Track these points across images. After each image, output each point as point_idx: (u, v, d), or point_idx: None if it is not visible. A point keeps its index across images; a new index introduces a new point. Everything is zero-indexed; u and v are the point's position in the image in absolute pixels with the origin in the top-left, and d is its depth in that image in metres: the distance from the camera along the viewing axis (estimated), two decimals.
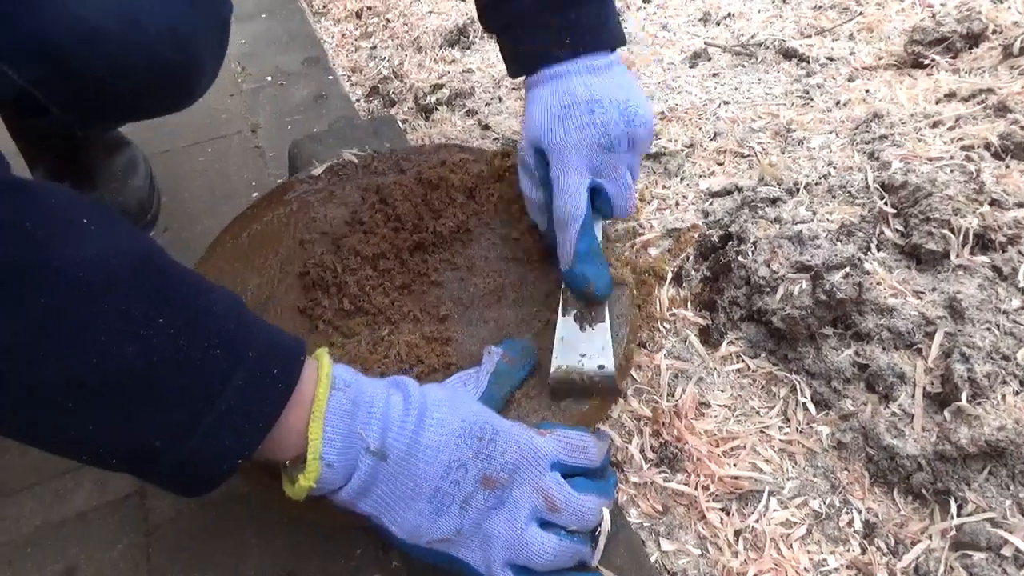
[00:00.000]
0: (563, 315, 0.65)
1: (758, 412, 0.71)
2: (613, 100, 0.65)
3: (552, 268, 0.73)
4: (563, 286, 0.66)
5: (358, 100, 1.32)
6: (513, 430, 0.54)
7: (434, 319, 0.71)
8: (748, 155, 0.98)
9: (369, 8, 1.58)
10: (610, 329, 0.65)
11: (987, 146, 0.84)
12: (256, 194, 1.12)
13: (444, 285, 0.74)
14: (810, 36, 1.21)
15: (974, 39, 1.06)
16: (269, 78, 1.40)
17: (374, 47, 1.46)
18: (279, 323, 0.70)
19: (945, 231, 0.73)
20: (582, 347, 0.64)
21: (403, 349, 0.67)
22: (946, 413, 0.63)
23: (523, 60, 0.69)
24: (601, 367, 0.62)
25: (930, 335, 0.68)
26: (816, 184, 0.86)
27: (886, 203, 0.79)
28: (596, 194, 0.66)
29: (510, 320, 0.70)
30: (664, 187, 0.97)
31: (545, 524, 0.53)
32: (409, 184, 0.80)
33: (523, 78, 0.71)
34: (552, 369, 0.63)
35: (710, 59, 1.21)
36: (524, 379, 0.64)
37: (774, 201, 0.84)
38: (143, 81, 0.70)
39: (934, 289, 0.72)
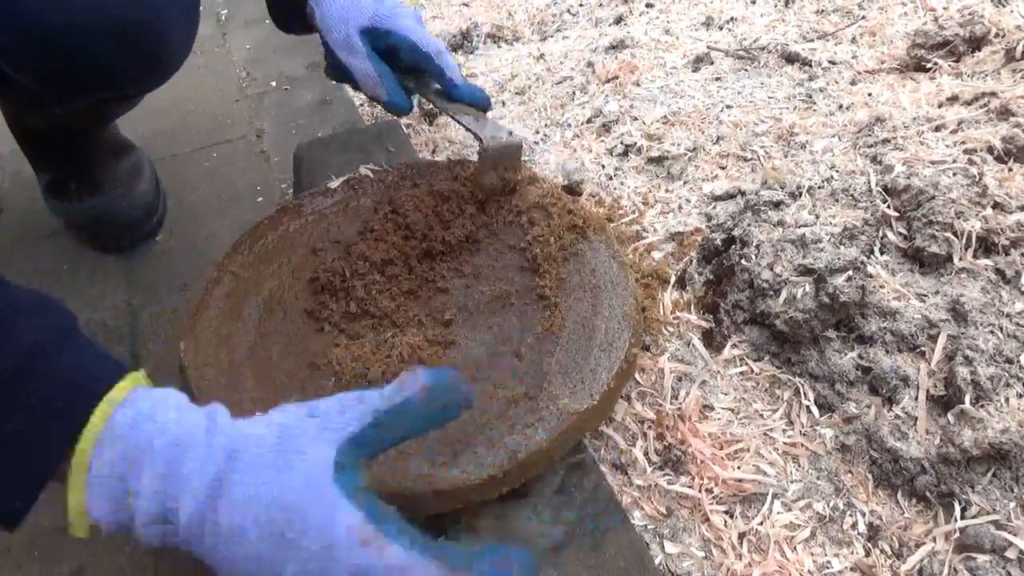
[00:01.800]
0: (461, 118, 0.83)
1: (761, 415, 0.71)
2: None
3: (550, 277, 0.74)
4: (449, 107, 0.84)
5: (362, 105, 1.33)
6: (323, 522, 0.40)
7: (438, 323, 0.72)
8: (751, 159, 0.98)
9: None
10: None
11: (990, 149, 0.84)
12: (261, 199, 1.12)
13: (450, 291, 0.75)
14: (812, 40, 1.21)
15: (976, 43, 1.06)
16: (274, 83, 1.40)
17: None
18: (286, 325, 0.71)
19: (948, 234, 0.73)
20: (489, 129, 0.81)
21: (406, 350, 0.68)
22: (949, 416, 0.63)
23: None
24: (511, 133, 0.80)
25: (933, 338, 0.68)
26: (819, 188, 0.86)
27: (889, 206, 0.79)
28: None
29: (514, 326, 0.71)
30: (667, 191, 0.97)
31: None
32: (421, 196, 0.81)
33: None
34: (484, 139, 0.79)
35: (712, 63, 1.21)
36: (431, 427, 0.48)
37: (777, 204, 0.84)
38: (108, 42, 0.70)
39: (937, 292, 0.72)
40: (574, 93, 1.19)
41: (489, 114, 0.85)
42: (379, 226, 0.79)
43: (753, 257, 0.77)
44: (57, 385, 0.42)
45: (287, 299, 0.74)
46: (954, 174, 0.79)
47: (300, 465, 0.41)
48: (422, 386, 0.46)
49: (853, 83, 1.09)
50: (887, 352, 0.69)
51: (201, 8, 0.85)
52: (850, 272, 0.72)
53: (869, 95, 1.05)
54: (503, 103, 1.22)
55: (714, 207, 0.92)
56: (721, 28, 1.31)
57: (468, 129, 0.81)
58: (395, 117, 0.96)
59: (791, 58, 1.16)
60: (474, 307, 0.73)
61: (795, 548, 0.61)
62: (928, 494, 0.62)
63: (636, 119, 1.09)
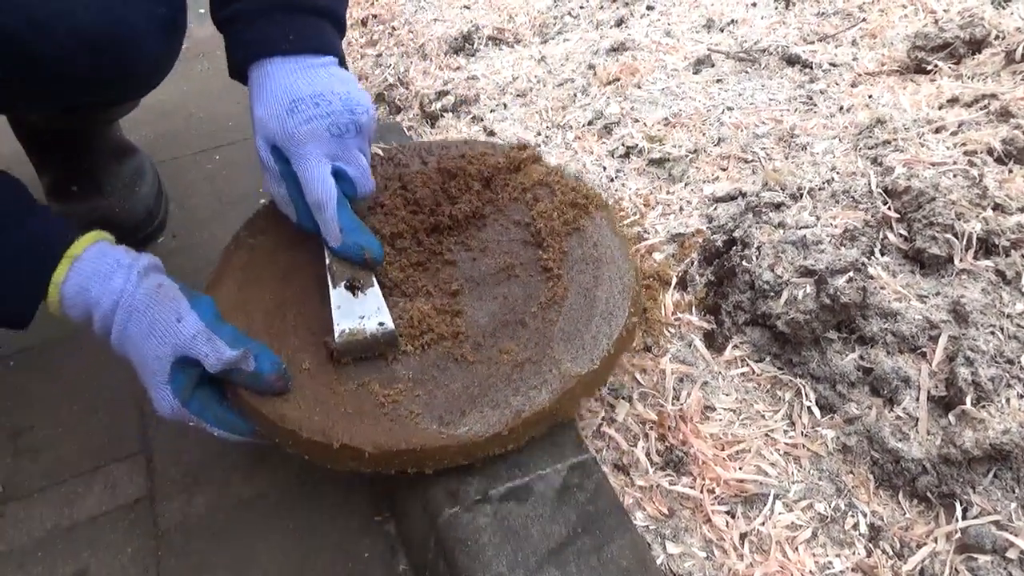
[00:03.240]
0: (334, 287, 0.71)
1: (763, 416, 0.71)
2: (335, 92, 0.71)
3: (554, 251, 0.76)
4: (328, 263, 0.72)
5: None
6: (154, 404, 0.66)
7: (446, 293, 0.74)
8: (752, 160, 0.99)
9: (375, 16, 1.59)
10: (380, 291, 0.71)
11: (990, 151, 0.84)
12: (263, 201, 1.12)
13: (457, 264, 0.77)
14: (813, 42, 1.21)
15: (977, 45, 1.06)
16: None
17: (380, 55, 1.47)
18: (301, 293, 0.75)
19: (948, 236, 0.74)
20: (359, 311, 0.69)
21: (416, 315, 0.71)
22: (950, 416, 0.64)
23: (249, 49, 0.73)
24: (381, 324, 0.68)
25: (934, 339, 0.69)
26: (820, 189, 0.86)
27: (889, 208, 0.79)
28: (338, 177, 0.71)
29: (518, 296, 0.73)
30: (668, 192, 0.98)
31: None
32: (429, 173, 0.84)
33: (245, 83, 0.76)
34: (336, 334, 0.68)
35: (713, 65, 1.21)
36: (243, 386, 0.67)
37: (778, 206, 0.84)
38: (67, 45, 0.69)
39: (938, 293, 0.72)
40: (575, 95, 1.20)
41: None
42: (388, 201, 0.81)
43: (754, 258, 0.77)
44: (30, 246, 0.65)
45: (301, 267, 0.76)
46: (954, 176, 0.80)
47: (150, 357, 0.64)
48: (253, 371, 0.64)
49: (854, 85, 1.09)
50: (888, 353, 0.69)
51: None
52: (851, 273, 0.72)
53: (870, 97, 1.05)
54: (504, 105, 1.22)
55: (715, 209, 0.92)
56: (722, 30, 1.31)
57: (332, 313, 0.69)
58: (398, 121, 0.96)
59: (792, 60, 1.17)
60: (480, 279, 0.75)
61: (796, 548, 0.62)
62: (929, 495, 0.62)
63: (637, 121, 1.10)
